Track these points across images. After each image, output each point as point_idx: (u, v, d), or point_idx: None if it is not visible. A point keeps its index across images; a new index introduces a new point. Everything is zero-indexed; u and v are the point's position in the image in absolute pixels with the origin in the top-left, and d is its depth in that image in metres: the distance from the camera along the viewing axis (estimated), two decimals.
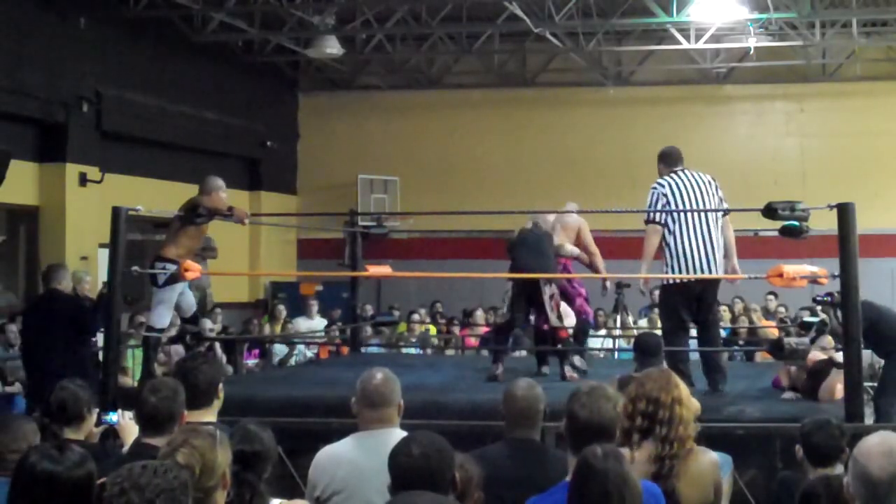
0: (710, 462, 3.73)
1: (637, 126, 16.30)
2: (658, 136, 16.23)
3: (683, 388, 3.75)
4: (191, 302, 8.09)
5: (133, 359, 10.49)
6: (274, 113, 16.98)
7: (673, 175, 6.84)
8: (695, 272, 6.67)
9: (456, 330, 13.67)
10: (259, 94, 16.54)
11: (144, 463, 2.58)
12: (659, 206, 6.76)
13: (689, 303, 6.80)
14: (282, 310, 13.33)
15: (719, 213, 6.85)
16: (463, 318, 13.68)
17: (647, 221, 6.83)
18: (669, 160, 6.98)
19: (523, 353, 9.88)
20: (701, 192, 6.80)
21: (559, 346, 7.73)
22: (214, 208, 7.47)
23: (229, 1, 13.26)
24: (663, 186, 6.79)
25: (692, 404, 5.87)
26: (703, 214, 6.75)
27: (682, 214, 6.70)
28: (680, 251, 6.69)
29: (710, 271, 6.72)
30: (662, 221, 6.75)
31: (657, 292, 8.07)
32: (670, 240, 6.72)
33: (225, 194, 7.85)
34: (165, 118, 13.94)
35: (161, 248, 7.70)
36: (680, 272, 6.68)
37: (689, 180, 6.82)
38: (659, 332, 7.10)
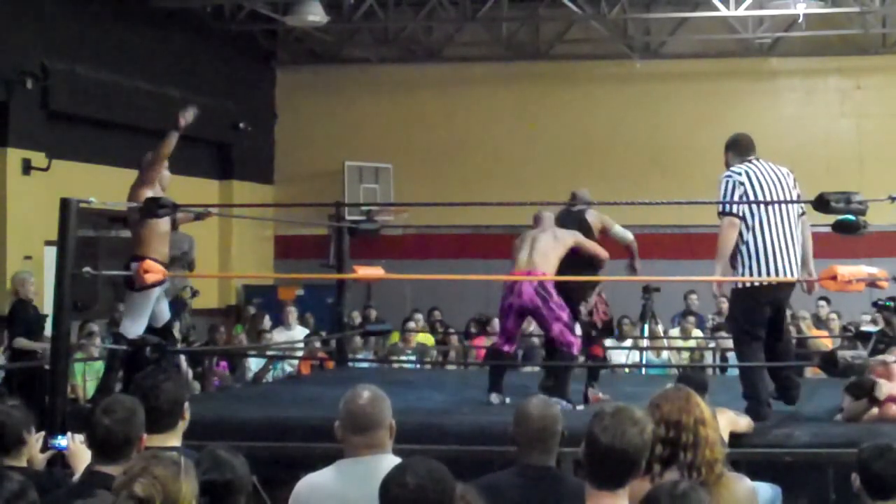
0: (746, 490, 3.74)
1: (667, 105, 16.31)
2: (691, 116, 16.42)
3: (705, 407, 3.76)
4: (165, 310, 8.13)
5: (83, 375, 10.51)
6: (248, 90, 16.97)
7: (749, 163, 6.86)
8: (776, 275, 6.68)
9: (454, 340, 13.65)
10: (230, 69, 16.53)
11: (92, 502, 2.56)
12: (736, 197, 6.74)
13: (767, 309, 6.81)
14: (266, 320, 13.33)
15: (799, 212, 6.87)
16: (477, 325, 13.64)
17: (723, 214, 6.80)
18: (741, 149, 6.97)
19: (535, 368, 9.87)
20: (781, 186, 6.79)
21: (575, 363, 7.75)
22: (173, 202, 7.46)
23: None
24: (740, 175, 6.76)
25: (740, 427, 5.90)
26: (785, 210, 6.75)
27: (762, 208, 6.70)
28: (761, 251, 6.67)
29: (790, 275, 6.74)
30: (741, 214, 6.74)
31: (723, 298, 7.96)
32: (748, 236, 6.70)
33: (166, 172, 7.89)
34: (122, 96, 13.92)
35: (135, 247, 7.71)
36: (759, 274, 6.68)
37: (767, 170, 6.83)
38: (691, 344, 7.11)
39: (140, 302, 7.73)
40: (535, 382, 8.20)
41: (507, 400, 7.59)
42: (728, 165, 6.94)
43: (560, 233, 7.87)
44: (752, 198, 6.71)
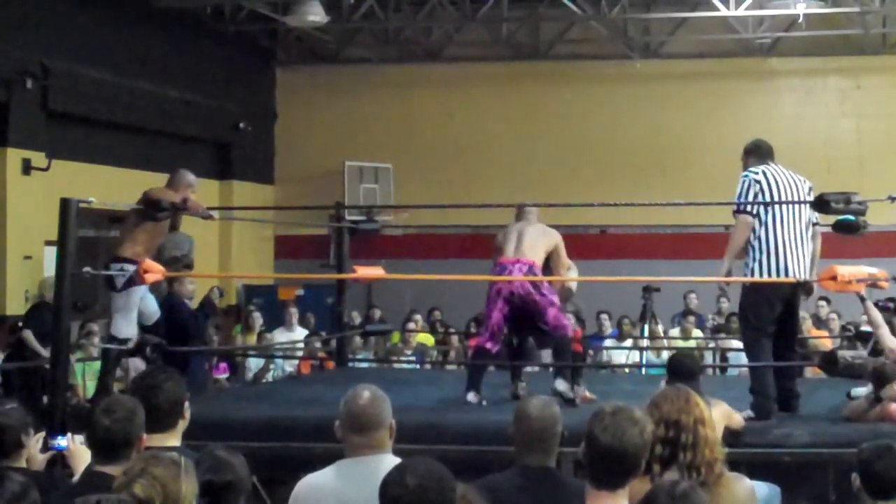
0: (745, 490, 3.74)
1: (668, 105, 16.29)
2: (692, 116, 16.41)
3: (704, 407, 3.77)
4: (153, 308, 8.14)
5: (83, 374, 10.52)
6: (248, 90, 16.97)
7: (767, 166, 6.92)
8: (786, 274, 6.72)
9: (455, 340, 13.63)
10: (231, 69, 16.53)
11: (98, 497, 2.57)
12: (751, 196, 6.82)
13: (777, 305, 6.83)
14: (257, 318, 13.31)
15: (811, 220, 6.90)
16: (475, 325, 13.62)
17: (737, 212, 6.90)
18: (761, 153, 7.08)
19: (535, 367, 9.87)
20: (796, 190, 6.85)
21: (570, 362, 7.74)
22: (172, 202, 7.51)
23: None
24: (757, 174, 6.87)
25: (734, 421, 5.91)
26: (797, 212, 6.80)
27: (775, 207, 6.76)
28: (772, 247, 6.73)
29: (799, 273, 6.76)
30: (755, 212, 6.79)
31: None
32: (761, 232, 6.77)
33: (195, 195, 7.92)
34: (122, 96, 13.91)
35: (117, 247, 7.76)
36: (769, 272, 6.71)
37: (784, 174, 6.91)
38: (691, 344, 7.14)
39: (126, 301, 7.74)
40: (532, 381, 8.20)
41: (484, 402, 7.58)
42: (746, 169, 7.00)
43: (547, 229, 7.86)
44: (767, 197, 6.77)
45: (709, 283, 8.03)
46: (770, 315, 6.84)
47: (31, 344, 10.47)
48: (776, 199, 6.76)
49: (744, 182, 6.89)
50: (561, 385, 7.31)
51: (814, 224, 6.93)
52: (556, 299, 7.62)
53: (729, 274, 7.05)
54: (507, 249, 7.66)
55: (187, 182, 7.96)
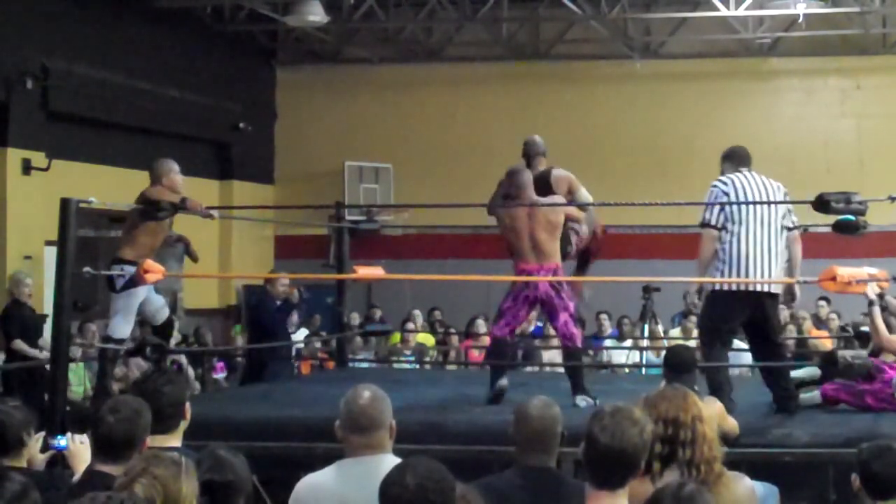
0: (746, 489, 3.74)
1: (668, 105, 16.30)
2: (692, 117, 16.42)
3: (702, 405, 3.77)
4: (159, 308, 8.16)
5: (84, 375, 10.51)
6: (248, 90, 16.97)
7: (739, 174, 6.87)
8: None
9: (455, 340, 13.64)
10: (230, 69, 16.54)
11: (94, 495, 2.57)
12: (717, 208, 6.79)
13: (740, 314, 6.80)
14: None
15: (785, 224, 6.86)
16: (466, 327, 13.64)
17: (703, 225, 6.86)
18: (736, 160, 7.01)
19: (535, 368, 9.88)
20: (768, 198, 6.79)
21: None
22: (172, 202, 7.53)
23: None
24: (725, 184, 6.82)
25: (728, 423, 5.91)
26: (766, 220, 6.76)
27: (742, 216, 6.72)
28: (735, 255, 6.70)
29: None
30: (720, 225, 6.76)
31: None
32: (726, 241, 6.74)
33: (180, 177, 7.93)
34: (122, 96, 13.92)
35: (118, 249, 7.79)
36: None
37: (756, 182, 6.84)
38: (692, 344, 7.15)
39: (125, 303, 7.76)
40: (535, 381, 8.21)
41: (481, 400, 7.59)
42: (722, 174, 6.98)
43: (551, 215, 7.78)
44: (734, 207, 6.73)
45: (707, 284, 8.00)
46: (728, 324, 6.85)
47: (22, 351, 10.35)
48: (741, 208, 6.71)
49: (711, 193, 6.86)
50: (582, 402, 7.31)
51: (790, 229, 6.88)
52: (571, 305, 7.64)
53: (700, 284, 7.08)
54: (525, 254, 7.63)
55: (169, 168, 7.98)
